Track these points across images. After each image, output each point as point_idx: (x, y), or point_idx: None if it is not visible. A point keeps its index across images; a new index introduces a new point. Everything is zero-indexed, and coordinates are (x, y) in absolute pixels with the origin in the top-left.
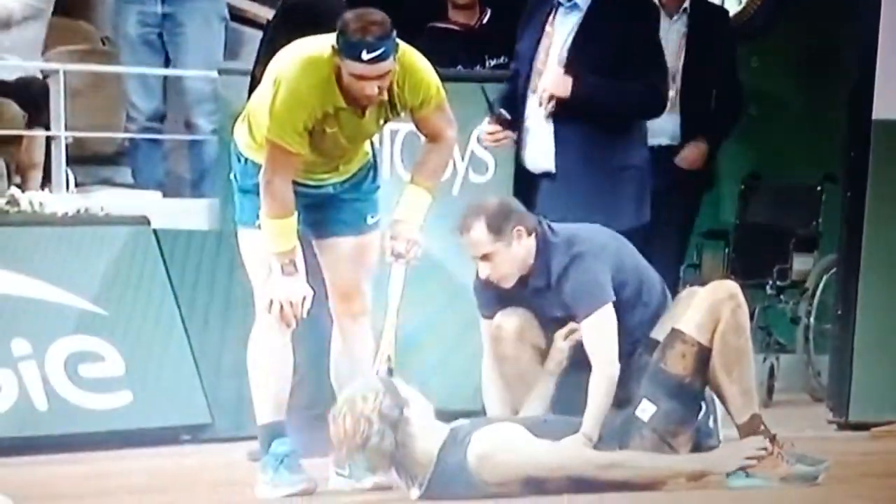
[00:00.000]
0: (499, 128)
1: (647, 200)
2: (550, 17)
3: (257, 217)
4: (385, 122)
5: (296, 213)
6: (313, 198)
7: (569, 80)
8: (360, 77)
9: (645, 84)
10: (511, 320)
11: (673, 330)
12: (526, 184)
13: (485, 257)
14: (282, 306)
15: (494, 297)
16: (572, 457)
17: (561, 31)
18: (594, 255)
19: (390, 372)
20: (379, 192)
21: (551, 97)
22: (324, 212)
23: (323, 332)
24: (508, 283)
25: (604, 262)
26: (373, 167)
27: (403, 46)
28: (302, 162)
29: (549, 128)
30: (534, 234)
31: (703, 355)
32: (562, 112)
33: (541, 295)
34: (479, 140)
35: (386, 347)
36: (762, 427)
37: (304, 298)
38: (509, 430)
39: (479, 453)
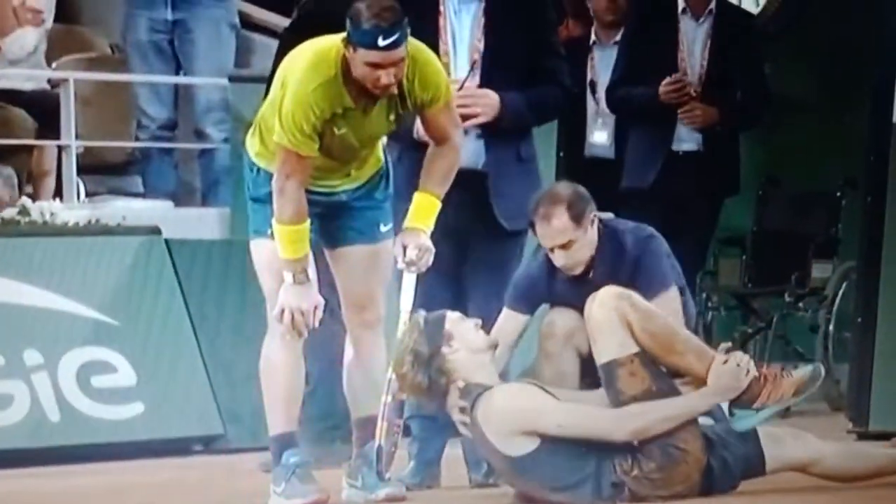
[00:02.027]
0: None
1: None
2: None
3: (270, 227)
4: (396, 120)
5: (308, 220)
6: (326, 206)
7: (495, 100)
8: (376, 65)
9: (556, 83)
10: (564, 318)
11: (603, 365)
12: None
13: (564, 245)
14: (293, 315)
15: (538, 293)
16: (584, 413)
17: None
18: (661, 242)
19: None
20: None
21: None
22: (337, 220)
23: (335, 342)
24: (579, 270)
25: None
26: (385, 174)
27: (413, 41)
28: (314, 167)
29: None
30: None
31: (645, 358)
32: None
33: (594, 287)
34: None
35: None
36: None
37: (316, 308)
38: (522, 387)
39: (486, 406)
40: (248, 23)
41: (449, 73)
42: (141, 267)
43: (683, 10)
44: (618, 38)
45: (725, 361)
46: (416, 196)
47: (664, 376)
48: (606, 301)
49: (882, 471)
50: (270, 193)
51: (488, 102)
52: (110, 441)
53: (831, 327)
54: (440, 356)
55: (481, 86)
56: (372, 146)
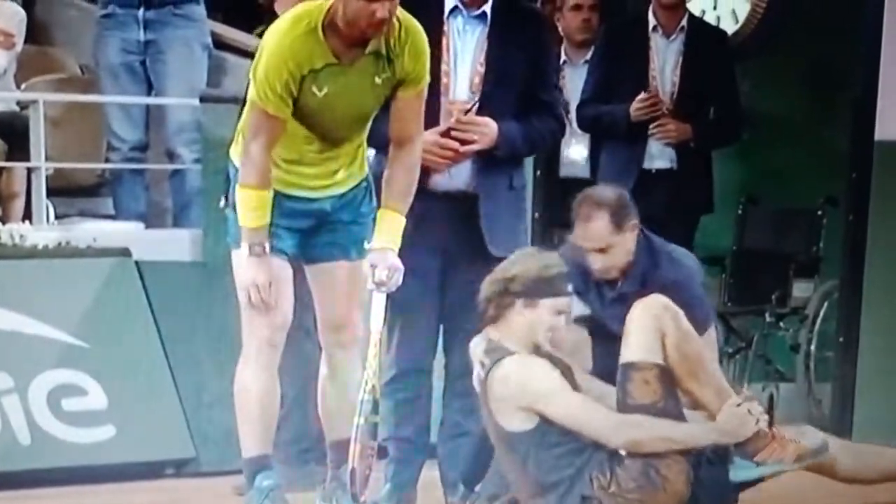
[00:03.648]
0: None
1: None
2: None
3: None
4: (382, 87)
5: (271, 191)
6: (309, 218)
7: (494, 130)
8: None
9: (552, 116)
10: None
11: (624, 365)
12: None
13: (601, 249)
14: (249, 292)
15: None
16: (588, 408)
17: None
18: (698, 272)
19: (375, 403)
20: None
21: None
22: (320, 235)
23: (310, 364)
24: (613, 275)
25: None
26: (370, 188)
27: (405, 13)
28: (297, 161)
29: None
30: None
31: (665, 374)
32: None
33: (620, 301)
34: None
35: (370, 377)
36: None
37: (270, 283)
38: (541, 364)
39: (500, 370)
40: (221, 43)
41: (447, 94)
42: (111, 289)
43: (654, 28)
44: (588, 56)
45: (739, 405)
46: (380, 214)
47: (676, 399)
48: (652, 306)
49: (892, 474)
50: None
51: (487, 132)
52: (81, 464)
53: (812, 347)
54: None
55: (479, 110)
56: (357, 127)
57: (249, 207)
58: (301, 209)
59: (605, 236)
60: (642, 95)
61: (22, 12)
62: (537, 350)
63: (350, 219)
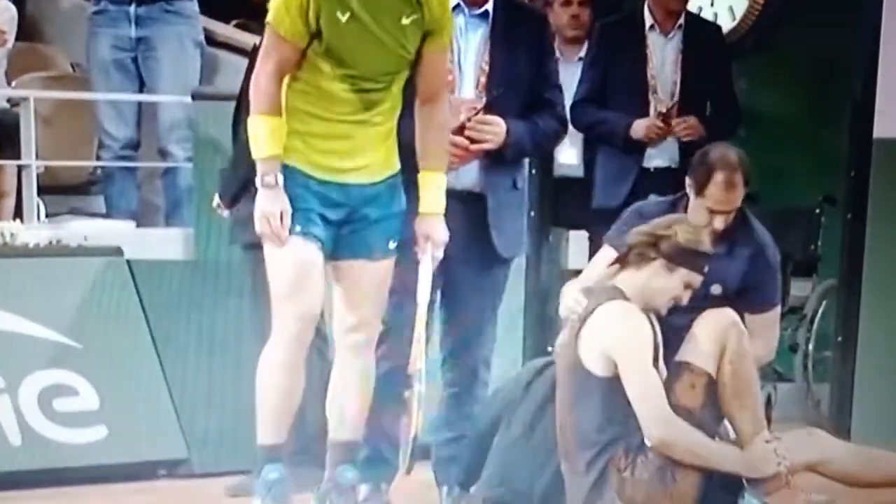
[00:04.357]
0: None
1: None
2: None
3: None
4: (411, 33)
5: (283, 120)
6: (339, 206)
7: (503, 130)
8: None
9: (556, 116)
10: None
11: (678, 362)
12: None
13: (730, 212)
14: (262, 222)
15: None
16: (649, 385)
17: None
18: (777, 253)
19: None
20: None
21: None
22: (345, 230)
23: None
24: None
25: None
26: (400, 184)
27: None
28: (323, 99)
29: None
30: None
31: (712, 385)
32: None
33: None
34: None
35: (417, 354)
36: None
37: (283, 213)
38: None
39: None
40: (213, 40)
41: (452, 91)
42: (103, 288)
43: (651, 27)
44: (581, 53)
45: (768, 441)
46: (421, 177)
47: (714, 413)
48: (722, 318)
49: (893, 479)
50: (288, 187)
51: (498, 132)
52: (73, 465)
53: (811, 346)
54: None
55: (486, 110)
56: (386, 81)
57: (259, 135)
58: (333, 197)
59: (740, 197)
60: (654, 120)
61: (13, 8)
62: (650, 312)
63: (376, 216)
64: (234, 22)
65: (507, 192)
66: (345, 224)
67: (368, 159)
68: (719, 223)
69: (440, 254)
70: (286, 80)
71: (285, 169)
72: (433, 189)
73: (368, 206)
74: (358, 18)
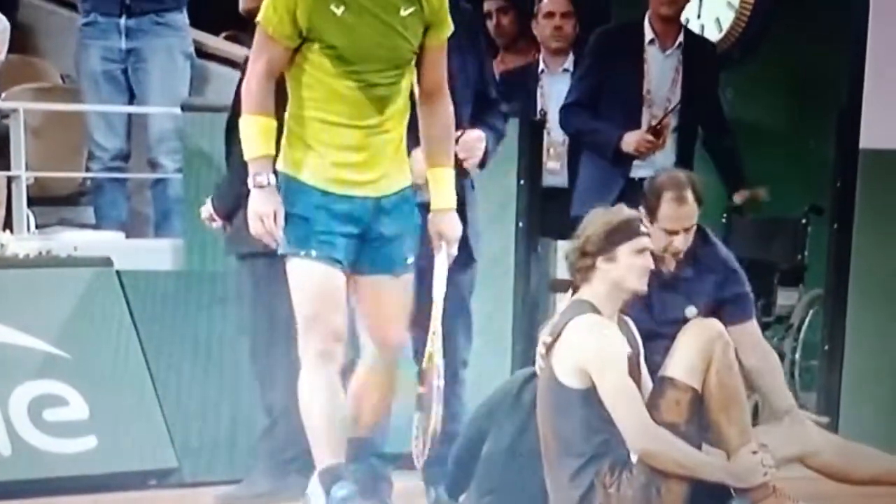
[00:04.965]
0: None
1: None
2: None
3: (302, 245)
4: (410, 27)
5: (273, 120)
6: (355, 221)
7: (484, 141)
8: None
9: (502, 115)
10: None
11: (662, 378)
12: None
13: (687, 228)
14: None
15: None
16: (628, 397)
17: None
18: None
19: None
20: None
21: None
22: (364, 245)
23: (295, 375)
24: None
25: None
26: (413, 198)
27: None
28: (332, 100)
29: None
30: None
31: (697, 400)
32: None
33: (677, 285)
34: None
35: (435, 350)
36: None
37: (276, 213)
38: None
39: (578, 323)
40: (203, 52)
41: None
42: (92, 298)
43: (651, 41)
44: (566, 64)
45: (755, 452)
46: (431, 173)
47: (697, 427)
48: (707, 329)
49: (880, 478)
50: (301, 207)
51: (482, 146)
52: (63, 475)
53: (797, 355)
54: None
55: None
56: (391, 75)
57: (250, 135)
58: (348, 212)
59: (694, 213)
60: (644, 134)
61: (5, 21)
62: (623, 311)
63: (391, 233)
64: (223, 34)
65: (470, 192)
66: (363, 238)
67: (382, 171)
68: (679, 242)
69: (454, 250)
70: (295, 90)
71: (302, 187)
72: (443, 185)
73: (382, 222)
74: (354, 10)
